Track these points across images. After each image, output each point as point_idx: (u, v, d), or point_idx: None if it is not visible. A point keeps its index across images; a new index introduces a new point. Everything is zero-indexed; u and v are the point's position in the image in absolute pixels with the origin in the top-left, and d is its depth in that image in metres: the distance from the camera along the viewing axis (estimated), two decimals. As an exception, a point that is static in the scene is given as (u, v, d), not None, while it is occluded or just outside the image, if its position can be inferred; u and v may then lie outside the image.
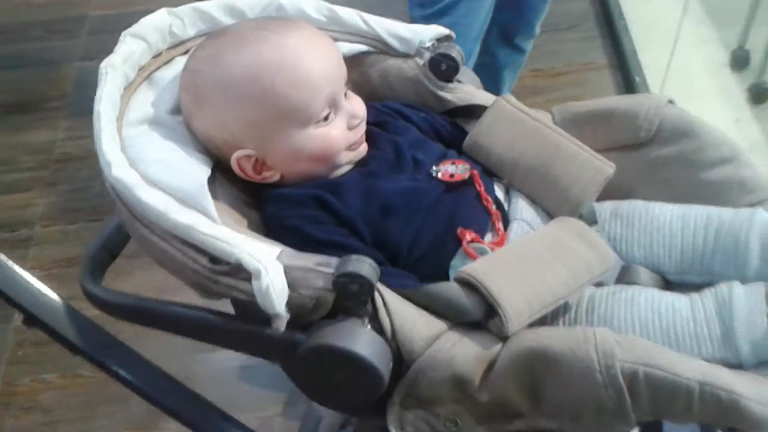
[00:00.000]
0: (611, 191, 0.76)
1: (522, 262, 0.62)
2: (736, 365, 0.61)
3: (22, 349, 1.53)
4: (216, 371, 1.46)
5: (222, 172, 0.71)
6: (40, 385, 1.48)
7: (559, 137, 0.72)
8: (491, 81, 1.57)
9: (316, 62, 0.68)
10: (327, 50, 0.70)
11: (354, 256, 0.58)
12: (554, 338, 0.58)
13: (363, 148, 0.73)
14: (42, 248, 1.69)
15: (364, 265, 0.57)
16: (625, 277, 0.70)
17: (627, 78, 2.09)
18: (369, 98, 0.79)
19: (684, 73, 2.10)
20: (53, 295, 0.71)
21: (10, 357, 1.52)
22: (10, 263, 0.70)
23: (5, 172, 1.85)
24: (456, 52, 0.78)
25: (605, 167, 0.71)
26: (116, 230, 0.75)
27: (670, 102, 0.75)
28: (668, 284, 0.71)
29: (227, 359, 1.47)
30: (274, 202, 0.69)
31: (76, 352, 0.68)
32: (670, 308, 0.63)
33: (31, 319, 0.67)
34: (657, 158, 0.75)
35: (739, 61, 2.09)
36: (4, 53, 2.22)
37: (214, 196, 0.66)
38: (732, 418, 0.56)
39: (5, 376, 1.50)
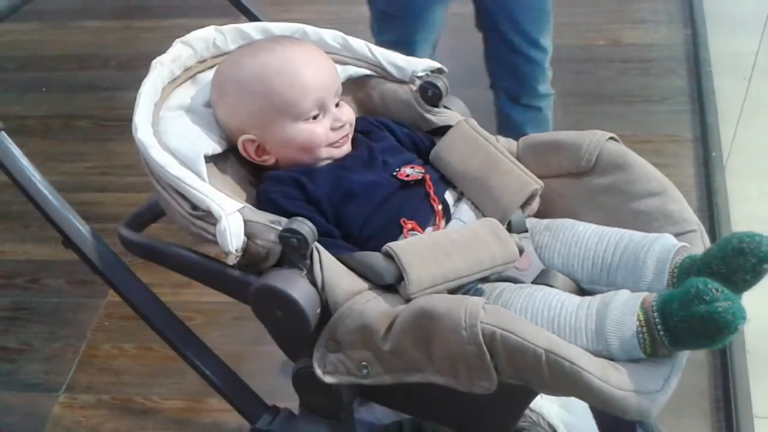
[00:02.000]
0: (558, 212, 0.89)
1: (437, 244, 0.77)
2: (609, 359, 0.70)
3: (109, 320, 1.79)
4: (264, 363, 1.62)
5: (235, 156, 0.91)
6: (117, 351, 1.74)
7: (499, 155, 0.86)
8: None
9: (310, 72, 0.87)
10: (322, 65, 0.89)
11: (299, 218, 0.74)
12: (440, 300, 0.71)
13: (345, 148, 0.90)
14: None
15: (304, 226, 0.74)
16: (543, 279, 0.81)
17: (706, 154, 2.12)
18: (369, 113, 0.97)
19: (765, 153, 2.11)
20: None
21: (96, 325, 1.79)
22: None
23: (126, 175, 2.18)
24: (441, 82, 0.94)
25: (532, 183, 0.84)
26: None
27: (612, 138, 0.87)
28: (582, 291, 0.81)
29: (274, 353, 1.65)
30: (266, 180, 0.87)
31: (95, 272, 0.88)
32: (560, 303, 0.74)
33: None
34: (595, 186, 0.87)
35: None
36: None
37: (224, 172, 0.87)
38: (577, 388, 0.66)
39: (90, 341, 1.76)
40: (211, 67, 0.95)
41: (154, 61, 0.89)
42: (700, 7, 2.77)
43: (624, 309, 0.70)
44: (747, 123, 2.15)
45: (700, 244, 0.80)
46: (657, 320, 0.67)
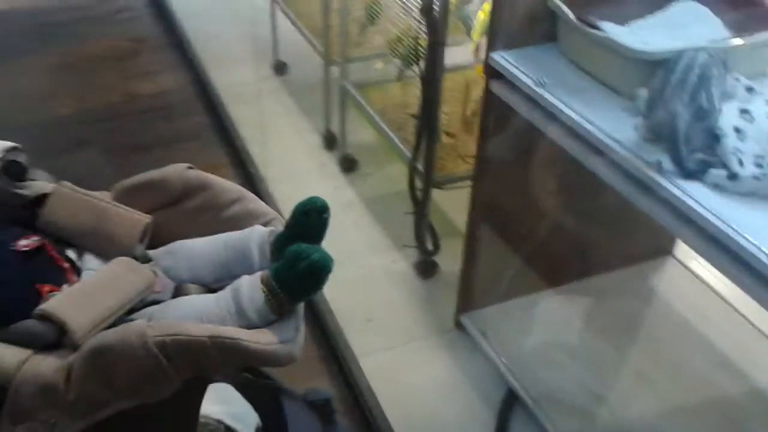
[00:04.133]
0: (168, 239, 1.04)
1: (82, 291, 0.86)
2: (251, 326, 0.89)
3: None
4: None
5: None
6: None
7: (105, 204, 0.98)
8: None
9: None
10: None
11: None
12: (109, 334, 0.81)
13: None
14: None
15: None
16: (179, 293, 0.96)
17: (246, 172, 2.45)
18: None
19: (290, 157, 2.53)
20: None
21: None
22: None
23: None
24: (23, 157, 1.00)
25: (142, 219, 0.99)
26: None
27: (190, 167, 1.06)
28: (214, 291, 0.98)
29: None
30: None
31: None
32: (202, 301, 0.90)
33: None
34: (190, 208, 1.05)
35: (329, 141, 2.58)
36: None
37: None
38: (242, 357, 0.84)
39: None
40: None
41: None
42: (193, 52, 3.13)
43: (251, 287, 0.90)
44: (261, 136, 2.57)
45: (281, 226, 1.04)
46: (275, 286, 0.88)
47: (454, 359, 1.82)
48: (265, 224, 1.03)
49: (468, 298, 1.86)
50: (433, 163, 1.87)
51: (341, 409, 1.70)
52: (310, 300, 1.95)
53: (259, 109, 2.77)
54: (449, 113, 2.10)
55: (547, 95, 1.35)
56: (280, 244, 0.96)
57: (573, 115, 1.30)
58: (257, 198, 1.07)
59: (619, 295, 1.92)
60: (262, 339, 0.86)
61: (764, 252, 1.02)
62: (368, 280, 2.05)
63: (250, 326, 0.89)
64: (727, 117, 1.18)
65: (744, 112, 1.20)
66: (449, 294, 1.88)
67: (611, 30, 1.38)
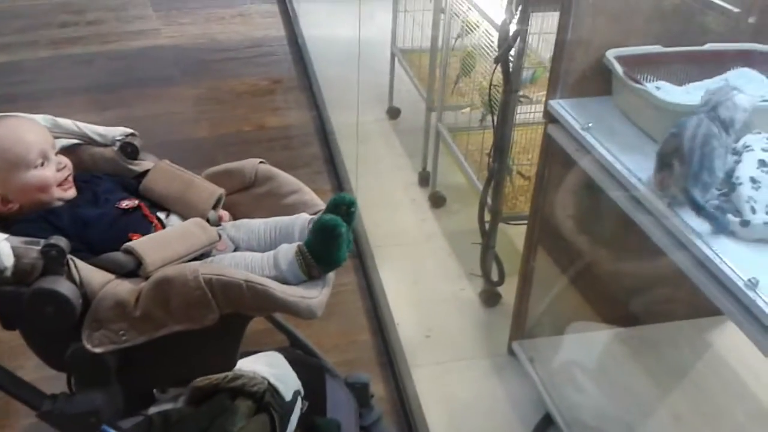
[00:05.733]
0: (237, 216, 1.29)
1: (160, 237, 1.12)
2: (285, 282, 1.11)
3: None
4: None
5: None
6: None
7: (192, 177, 1.26)
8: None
9: (28, 132, 1.18)
10: (36, 128, 1.20)
11: (54, 237, 1.04)
12: (170, 269, 1.06)
13: (72, 192, 1.21)
14: None
15: (60, 240, 1.03)
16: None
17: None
18: (85, 171, 1.28)
19: (386, 190, 2.77)
20: None
21: None
22: None
23: None
24: (138, 141, 1.30)
25: (217, 191, 1.25)
26: None
27: (262, 162, 1.31)
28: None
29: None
30: (16, 224, 1.13)
31: None
32: (249, 256, 1.14)
33: None
34: (258, 193, 1.30)
35: (423, 179, 2.80)
36: None
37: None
38: (270, 302, 1.05)
39: None
40: None
41: None
42: (321, 94, 3.48)
43: (287, 248, 1.12)
44: (365, 171, 2.83)
45: None
46: (305, 250, 1.10)
47: (500, 380, 1.95)
48: (313, 214, 1.26)
49: (520, 327, 1.99)
50: (500, 199, 2.04)
51: (387, 409, 1.87)
52: (376, 312, 2.16)
53: (367, 147, 3.05)
54: (531, 159, 2.27)
55: (587, 136, 1.51)
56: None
57: (605, 152, 1.45)
58: (312, 192, 1.30)
59: (672, 345, 1.98)
60: (288, 291, 1.07)
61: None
62: (434, 303, 2.23)
63: (285, 282, 1.11)
64: (746, 167, 1.30)
65: (762, 163, 1.30)
66: (507, 323, 2.02)
67: (667, 89, 1.53)
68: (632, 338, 1.96)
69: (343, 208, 1.15)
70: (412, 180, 2.83)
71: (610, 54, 1.61)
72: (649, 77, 1.60)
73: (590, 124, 1.55)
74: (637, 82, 1.52)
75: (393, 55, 3.14)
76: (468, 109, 2.42)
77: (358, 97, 3.00)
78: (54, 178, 1.18)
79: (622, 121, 1.59)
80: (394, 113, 3.29)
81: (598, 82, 1.67)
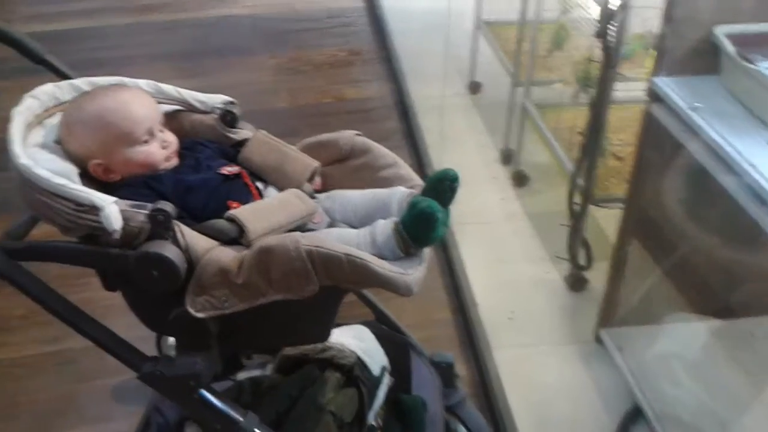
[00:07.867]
0: (333, 187, 1.27)
1: (262, 206, 1.11)
2: (382, 258, 1.09)
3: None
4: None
5: (85, 178, 1.17)
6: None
7: (288, 150, 1.24)
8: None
9: (136, 108, 1.17)
10: (146, 101, 1.20)
11: (161, 202, 1.04)
12: (272, 239, 1.05)
13: (174, 161, 1.21)
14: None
15: (167, 205, 1.03)
16: (331, 228, 1.19)
17: (422, 174, 2.68)
18: (185, 137, 1.28)
19: (465, 167, 2.73)
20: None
21: None
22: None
23: None
24: (237, 109, 1.29)
25: (312, 163, 1.23)
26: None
27: (358, 134, 1.29)
28: (359, 232, 1.20)
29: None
30: (120, 189, 1.15)
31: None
32: (346, 232, 1.12)
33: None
34: (354, 166, 1.28)
35: (506, 157, 2.75)
36: None
37: (80, 188, 1.13)
38: (368, 276, 1.03)
39: None
40: (53, 114, 1.21)
41: (12, 111, 1.13)
42: (399, 66, 3.44)
43: (384, 225, 1.10)
44: (444, 146, 2.79)
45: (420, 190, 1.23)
46: (401, 227, 1.07)
47: (586, 368, 1.90)
48: (410, 188, 1.23)
49: (610, 314, 1.93)
50: (593, 180, 1.98)
51: (470, 392, 1.85)
52: (456, 290, 2.13)
53: (447, 121, 3.00)
54: (624, 140, 2.19)
55: (695, 117, 1.44)
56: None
57: (715, 135, 1.37)
58: (408, 167, 1.28)
59: (770, 340, 1.89)
60: (386, 266, 1.05)
61: None
62: (517, 284, 2.19)
63: (381, 257, 1.09)
64: None
65: None
66: (594, 309, 1.97)
67: (777, 67, 1.44)
68: (729, 332, 1.88)
69: (446, 183, 1.12)
70: (493, 157, 2.78)
71: (720, 31, 1.53)
72: (762, 57, 1.51)
73: (698, 104, 1.48)
74: (750, 62, 1.44)
75: (477, 27, 3.07)
76: (560, 83, 2.35)
77: (445, 70, 2.95)
78: (160, 155, 1.19)
79: (731, 103, 1.50)
80: (474, 88, 3.22)
81: (704, 60, 1.58)
